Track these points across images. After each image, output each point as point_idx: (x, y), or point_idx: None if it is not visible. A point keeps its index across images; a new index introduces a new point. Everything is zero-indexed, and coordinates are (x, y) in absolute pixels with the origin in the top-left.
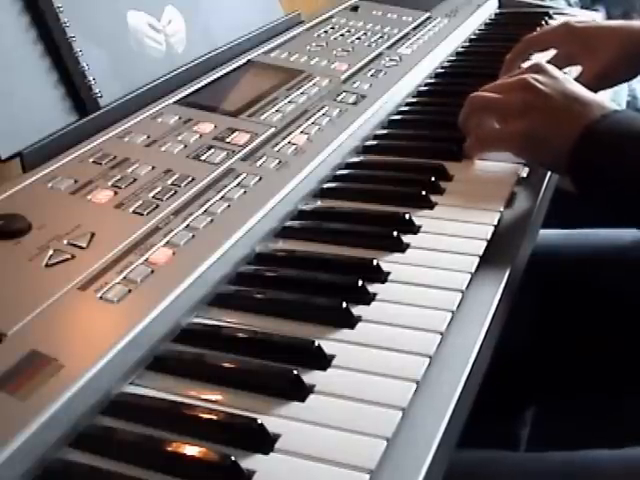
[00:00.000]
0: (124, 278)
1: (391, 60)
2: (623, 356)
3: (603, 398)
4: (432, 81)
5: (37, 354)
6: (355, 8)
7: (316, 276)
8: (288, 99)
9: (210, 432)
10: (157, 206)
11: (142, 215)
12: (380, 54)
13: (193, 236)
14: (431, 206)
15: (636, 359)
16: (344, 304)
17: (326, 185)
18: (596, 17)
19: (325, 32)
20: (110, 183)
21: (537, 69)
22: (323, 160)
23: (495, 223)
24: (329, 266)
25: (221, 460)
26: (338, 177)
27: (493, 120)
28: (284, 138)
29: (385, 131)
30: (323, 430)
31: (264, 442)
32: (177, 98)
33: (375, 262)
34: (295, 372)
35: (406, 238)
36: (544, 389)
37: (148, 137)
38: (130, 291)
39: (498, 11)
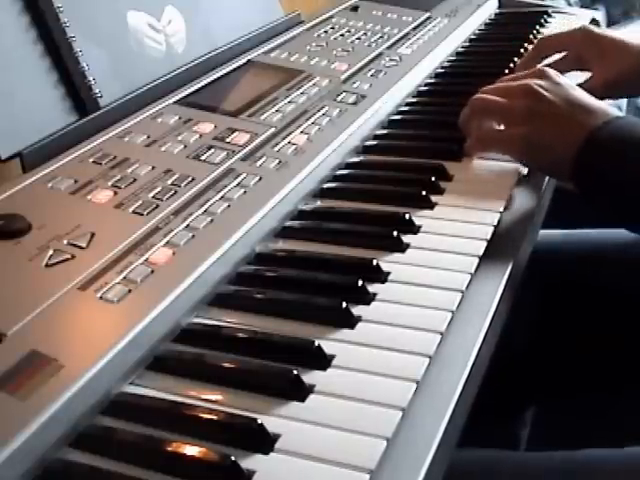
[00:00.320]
0: (124, 278)
1: (391, 60)
2: (623, 355)
3: (603, 398)
4: (432, 81)
5: (37, 354)
6: (355, 8)
7: (316, 276)
8: (288, 99)
9: (210, 432)
10: (157, 206)
11: (142, 215)
12: (380, 54)
13: (193, 236)
14: (431, 206)
15: (636, 358)
16: (344, 304)
17: (326, 185)
18: (596, 16)
19: (325, 32)
20: (110, 183)
21: (540, 74)
22: (323, 160)
23: (495, 223)
24: (329, 266)
25: (221, 460)
26: (338, 177)
27: (494, 123)
28: (284, 138)
29: (385, 131)
30: (323, 430)
31: (264, 442)
32: (177, 98)
33: (375, 262)
34: (295, 372)
35: (406, 238)
36: (544, 389)
37: (148, 137)
38: (130, 291)
39: (498, 11)
